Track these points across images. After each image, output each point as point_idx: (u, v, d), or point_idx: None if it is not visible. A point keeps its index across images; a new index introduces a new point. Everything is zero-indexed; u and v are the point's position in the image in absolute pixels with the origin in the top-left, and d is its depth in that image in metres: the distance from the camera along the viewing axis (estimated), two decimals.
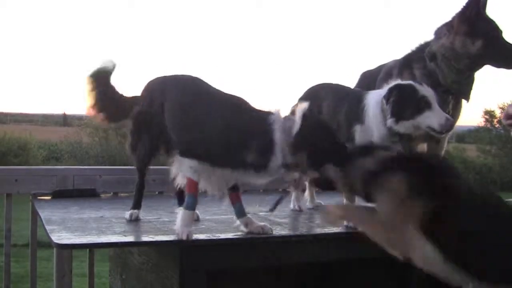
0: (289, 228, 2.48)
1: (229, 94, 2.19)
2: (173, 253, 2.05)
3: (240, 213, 2.21)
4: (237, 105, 2.12)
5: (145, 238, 2.10)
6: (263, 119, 2.02)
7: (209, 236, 2.15)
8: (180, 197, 2.38)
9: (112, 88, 2.46)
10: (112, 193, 3.17)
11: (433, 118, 2.19)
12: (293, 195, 2.79)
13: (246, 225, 2.17)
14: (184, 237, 1.98)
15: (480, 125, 29.39)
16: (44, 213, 2.55)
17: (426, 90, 2.23)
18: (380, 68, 2.94)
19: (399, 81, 2.33)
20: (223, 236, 2.19)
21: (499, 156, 27.31)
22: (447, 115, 2.20)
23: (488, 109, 29.82)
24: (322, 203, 2.93)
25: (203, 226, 2.31)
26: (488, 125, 29.54)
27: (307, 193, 2.95)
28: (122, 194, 3.13)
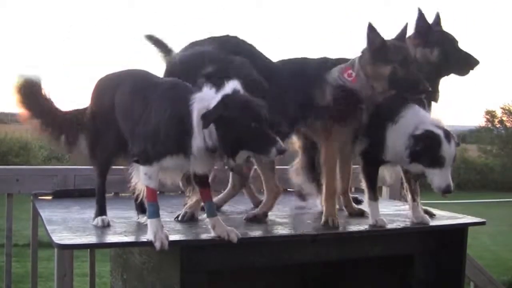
0: (289, 228, 2.48)
1: (168, 83, 2.15)
2: (174, 253, 2.05)
3: (210, 212, 2.13)
4: (171, 94, 2.07)
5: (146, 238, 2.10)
6: (185, 101, 1.96)
7: (209, 236, 2.15)
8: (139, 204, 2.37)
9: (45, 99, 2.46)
10: (113, 193, 3.17)
11: (437, 178, 2.32)
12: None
13: (213, 227, 2.10)
14: (159, 246, 1.95)
15: (481, 125, 29.40)
16: (45, 213, 2.55)
17: (448, 150, 2.32)
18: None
19: (433, 128, 2.36)
20: None
21: (500, 156, 27.28)
22: (450, 181, 2.33)
23: (489, 109, 29.80)
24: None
25: (203, 226, 2.31)
26: (489, 125, 29.54)
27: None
28: (123, 194, 3.13)
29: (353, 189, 3.54)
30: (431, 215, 2.78)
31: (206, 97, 1.97)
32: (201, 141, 1.94)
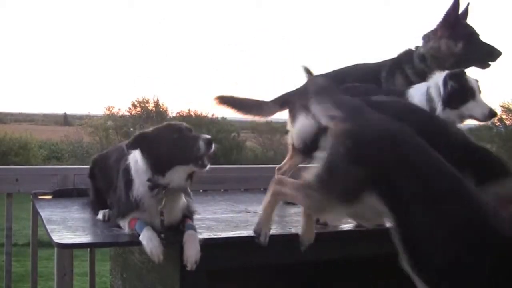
0: (289, 228, 2.47)
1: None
2: (174, 252, 2.05)
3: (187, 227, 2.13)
4: (121, 163, 2.24)
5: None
6: (125, 160, 2.17)
7: (209, 235, 2.15)
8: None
9: None
10: None
11: (477, 108, 2.37)
12: None
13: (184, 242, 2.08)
14: (156, 260, 1.98)
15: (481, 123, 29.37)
16: (45, 213, 2.55)
17: (472, 81, 2.40)
18: (335, 73, 3.09)
19: (449, 71, 2.46)
20: (223, 235, 2.19)
21: (500, 154, 27.30)
22: (489, 106, 2.38)
23: None
24: None
25: (203, 225, 2.31)
26: (489, 123, 29.55)
27: None
28: None
29: None
30: None
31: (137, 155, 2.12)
32: (140, 185, 2.07)
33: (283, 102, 3.22)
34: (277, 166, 3.18)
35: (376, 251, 2.55)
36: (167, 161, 2.03)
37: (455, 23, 2.79)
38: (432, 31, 2.86)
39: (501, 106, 29.69)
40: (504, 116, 29.75)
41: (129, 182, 2.12)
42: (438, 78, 2.46)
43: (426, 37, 2.88)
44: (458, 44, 2.77)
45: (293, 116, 3.13)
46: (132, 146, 2.08)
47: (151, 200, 2.07)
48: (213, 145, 2.03)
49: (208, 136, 2.03)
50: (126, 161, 2.17)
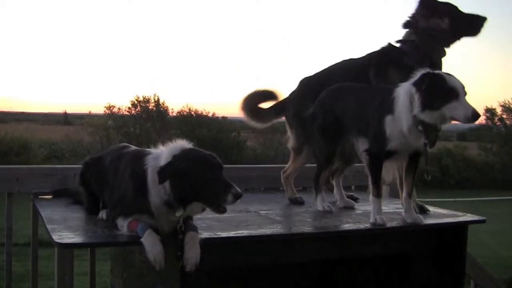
0: (290, 227, 2.48)
1: (131, 151, 2.30)
2: (174, 252, 2.05)
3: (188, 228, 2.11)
4: (130, 158, 2.21)
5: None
6: (141, 162, 2.09)
7: (210, 235, 2.15)
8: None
9: None
10: None
11: (460, 109, 2.24)
12: (319, 197, 2.80)
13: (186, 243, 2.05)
14: (157, 267, 1.99)
15: (481, 123, 29.41)
16: (45, 212, 2.55)
17: (455, 81, 2.28)
18: (321, 73, 3.12)
19: (428, 70, 2.37)
20: (224, 234, 2.19)
21: (500, 154, 27.29)
22: (473, 107, 2.25)
23: (489, 106, 29.76)
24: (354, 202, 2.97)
25: (204, 225, 2.31)
26: (489, 123, 29.52)
27: (335, 191, 2.97)
28: None
29: (353, 187, 3.56)
30: (425, 211, 2.78)
31: (159, 156, 2.06)
32: (156, 197, 2.03)
33: (278, 110, 3.27)
34: (277, 165, 3.19)
35: (377, 250, 2.56)
36: (192, 196, 1.98)
37: (432, 3, 2.88)
38: (411, 17, 2.92)
39: (501, 106, 29.71)
40: (504, 116, 29.76)
41: (141, 188, 2.06)
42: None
43: (410, 25, 2.92)
44: (444, 20, 2.85)
45: (289, 123, 3.17)
46: (163, 178, 1.96)
47: (164, 211, 2.05)
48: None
49: (240, 191, 1.97)
50: (143, 165, 2.07)
